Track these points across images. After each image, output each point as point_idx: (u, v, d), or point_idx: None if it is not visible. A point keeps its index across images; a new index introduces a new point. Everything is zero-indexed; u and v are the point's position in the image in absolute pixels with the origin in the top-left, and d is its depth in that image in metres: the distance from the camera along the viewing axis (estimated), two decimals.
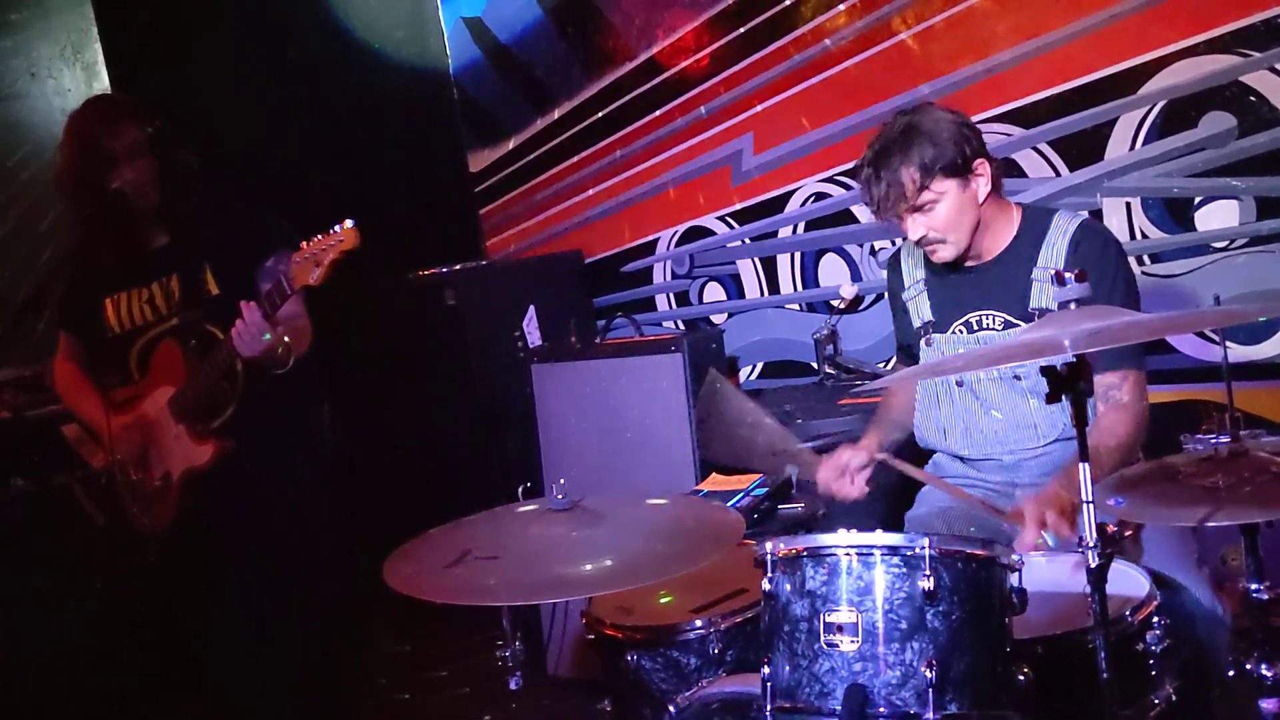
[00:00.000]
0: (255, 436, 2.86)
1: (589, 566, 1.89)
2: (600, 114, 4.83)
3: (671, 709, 2.06)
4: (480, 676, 4.02)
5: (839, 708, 1.71)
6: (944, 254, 2.47)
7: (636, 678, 2.18)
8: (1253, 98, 3.36)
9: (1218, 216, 3.48)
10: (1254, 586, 1.94)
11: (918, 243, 2.47)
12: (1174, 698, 1.96)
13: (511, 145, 5.22)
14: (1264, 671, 1.88)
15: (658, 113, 4.63)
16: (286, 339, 2.78)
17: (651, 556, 1.94)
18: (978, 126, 2.51)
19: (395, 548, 2.05)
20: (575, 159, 4.97)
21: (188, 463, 2.86)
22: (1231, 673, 1.94)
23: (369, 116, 5.06)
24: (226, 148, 3.48)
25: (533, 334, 4.38)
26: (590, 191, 4.96)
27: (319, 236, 2.62)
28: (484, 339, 4.35)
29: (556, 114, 5.00)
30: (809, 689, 1.75)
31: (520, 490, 2.22)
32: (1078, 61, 3.61)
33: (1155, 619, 1.95)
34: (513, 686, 2.13)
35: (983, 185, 2.43)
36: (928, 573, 1.73)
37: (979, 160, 2.43)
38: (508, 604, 2.04)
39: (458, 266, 4.59)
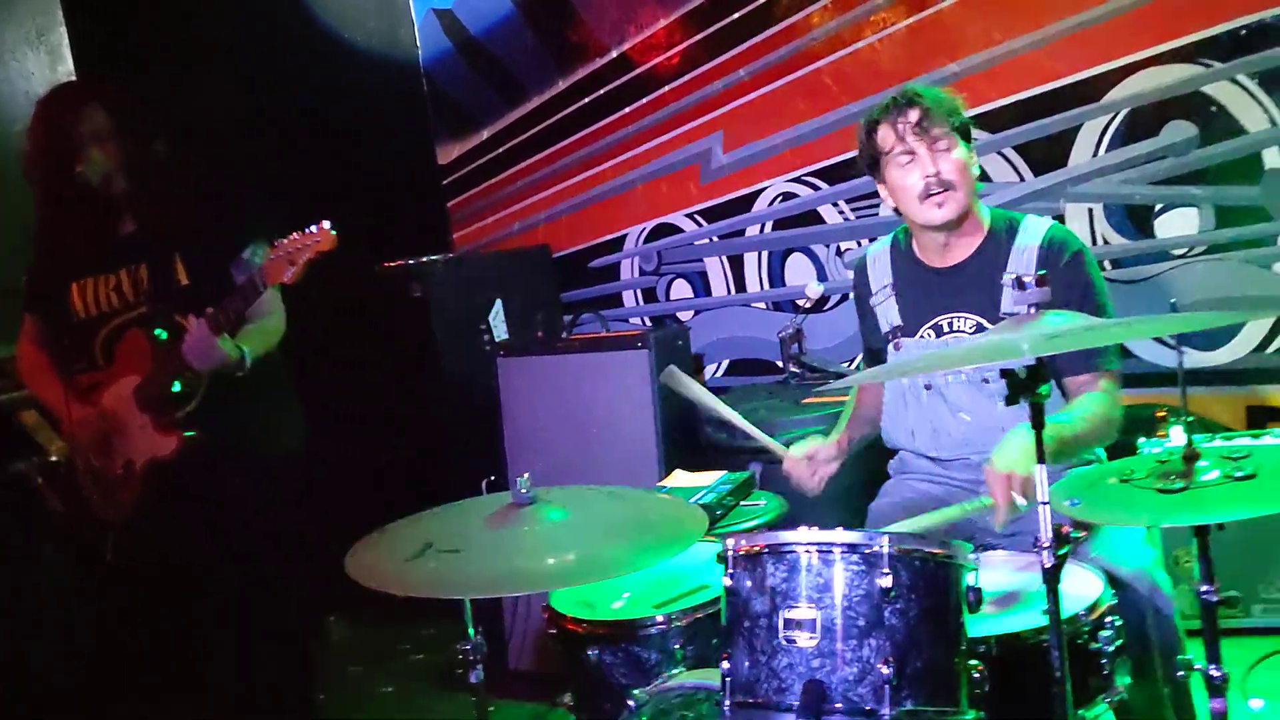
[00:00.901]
0: (221, 428, 2.85)
1: (551, 561, 1.90)
2: (571, 109, 4.82)
3: (631, 703, 2.07)
4: (441, 670, 4.02)
5: (797, 703, 1.73)
6: (950, 208, 2.45)
7: (597, 672, 2.19)
8: (1214, 108, 3.42)
9: (1178, 224, 3.54)
10: (1204, 588, 1.97)
11: (932, 181, 2.42)
12: (1125, 696, 2.00)
13: (481, 138, 5.20)
14: (1213, 672, 1.92)
15: (628, 109, 4.64)
16: (242, 347, 2.78)
17: (614, 551, 1.96)
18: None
19: (359, 540, 2.05)
20: (545, 153, 4.96)
21: (151, 453, 2.84)
22: (1181, 673, 1.98)
23: (338, 107, 5.03)
24: (193, 136, 3.46)
25: (499, 327, 4.38)
26: (559, 186, 4.95)
27: (295, 235, 2.63)
28: (450, 332, 4.33)
29: (527, 108, 4.99)
30: (768, 684, 1.77)
31: (484, 484, 2.22)
32: (1044, 68, 3.66)
33: (1109, 619, 1.98)
34: (473, 680, 2.13)
35: (976, 165, 2.47)
36: (886, 570, 1.75)
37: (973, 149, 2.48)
38: (469, 597, 2.04)
39: (425, 259, 4.58)
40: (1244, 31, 3.32)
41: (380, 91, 5.24)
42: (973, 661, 1.82)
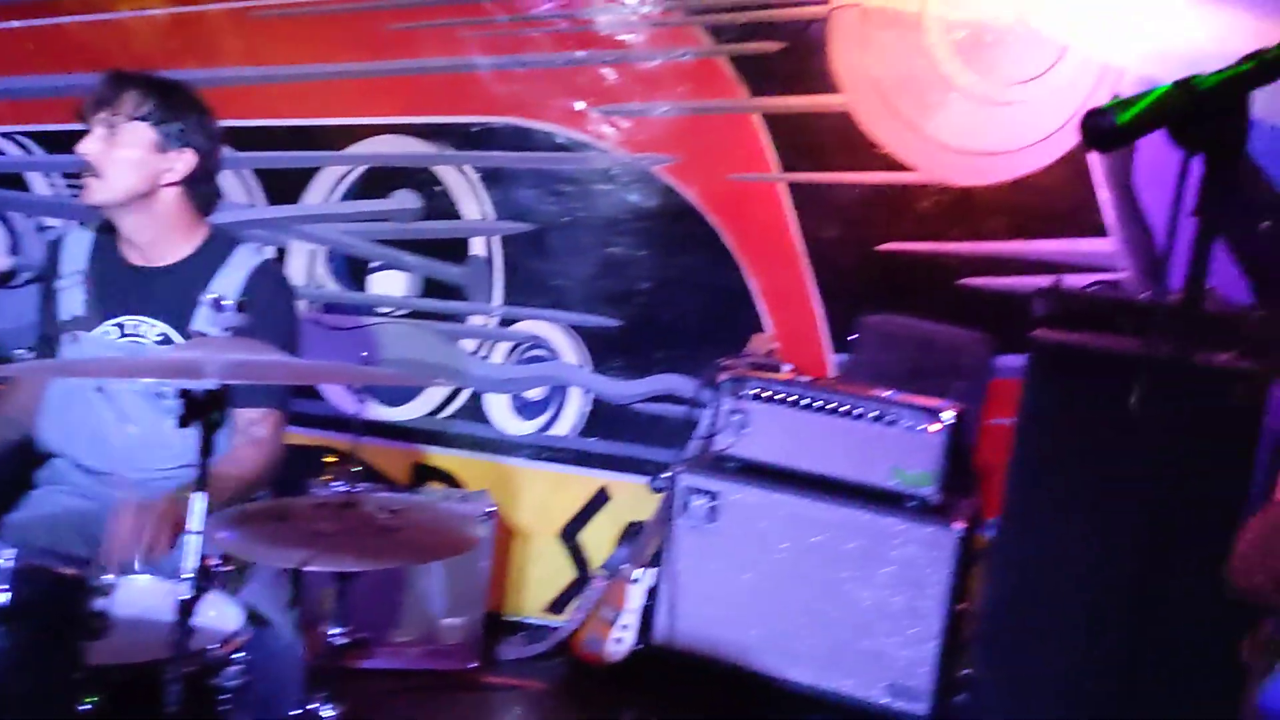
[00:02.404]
0: None
1: None
2: None
3: None
4: None
5: None
6: (92, 194, 2.33)
7: None
8: (439, 188, 3.72)
9: (388, 284, 3.78)
10: (335, 630, 2.08)
11: (83, 158, 2.31)
12: None
13: None
14: (326, 713, 2.00)
15: None
16: None
17: None
18: (221, 134, 2.46)
19: None
20: None
21: None
22: (298, 711, 2.04)
23: None
24: None
25: None
26: None
27: None
28: None
29: None
30: None
31: None
32: (299, 103, 3.71)
33: (237, 655, 1.97)
34: None
35: (171, 173, 2.35)
36: (5, 588, 1.57)
37: (189, 150, 2.35)
38: None
39: None
40: (475, 129, 3.68)
41: None
42: (88, 690, 1.70)
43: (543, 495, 3.79)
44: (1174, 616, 2.03)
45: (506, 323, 3.76)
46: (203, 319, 2.34)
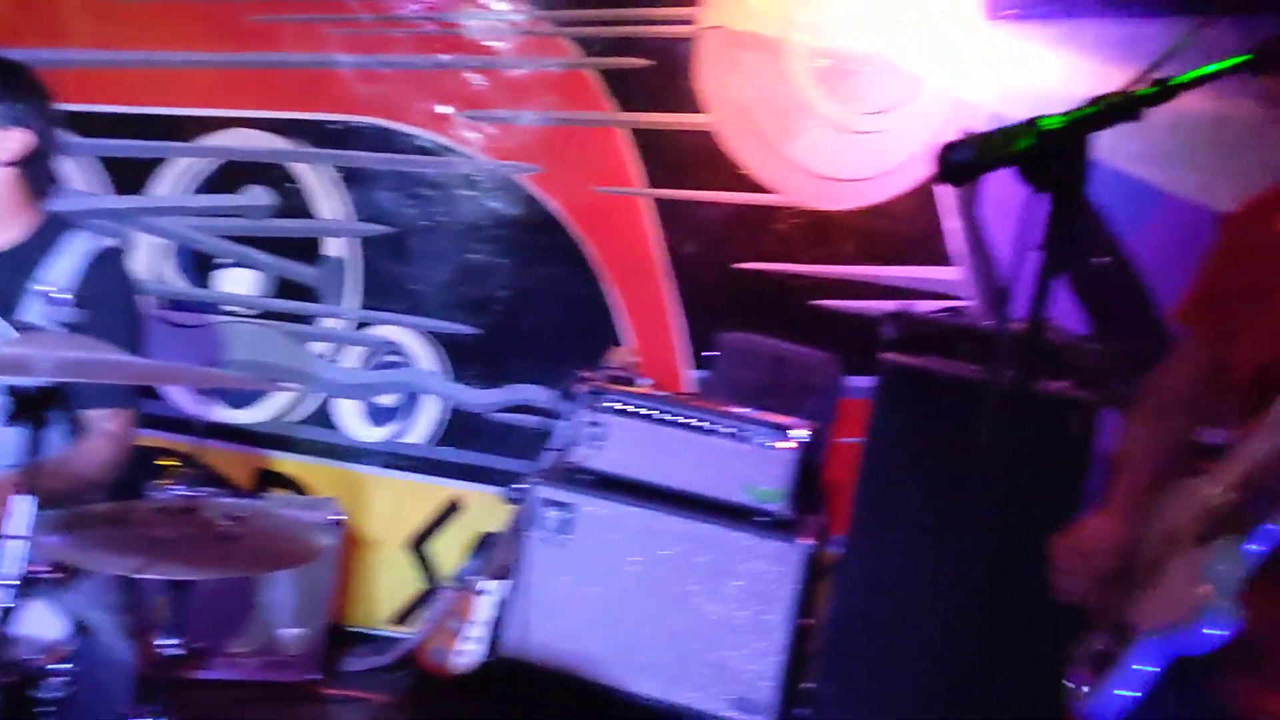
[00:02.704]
0: None
1: None
2: None
3: None
4: None
5: None
6: None
7: None
8: (294, 185, 3.63)
9: (237, 283, 3.66)
10: (168, 641, 2.00)
11: None
12: None
13: None
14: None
15: None
16: None
17: None
18: (62, 118, 2.33)
19: None
20: None
21: None
22: None
23: None
24: None
25: None
26: None
27: None
28: None
29: None
30: None
31: None
32: (150, 90, 3.58)
33: (60, 665, 1.88)
34: None
35: (2, 151, 2.22)
36: None
37: (22, 130, 2.23)
38: None
39: None
40: (334, 127, 3.60)
41: None
42: None
43: (392, 504, 3.72)
44: (1013, 636, 2.11)
45: (362, 326, 3.68)
46: (36, 311, 2.23)
